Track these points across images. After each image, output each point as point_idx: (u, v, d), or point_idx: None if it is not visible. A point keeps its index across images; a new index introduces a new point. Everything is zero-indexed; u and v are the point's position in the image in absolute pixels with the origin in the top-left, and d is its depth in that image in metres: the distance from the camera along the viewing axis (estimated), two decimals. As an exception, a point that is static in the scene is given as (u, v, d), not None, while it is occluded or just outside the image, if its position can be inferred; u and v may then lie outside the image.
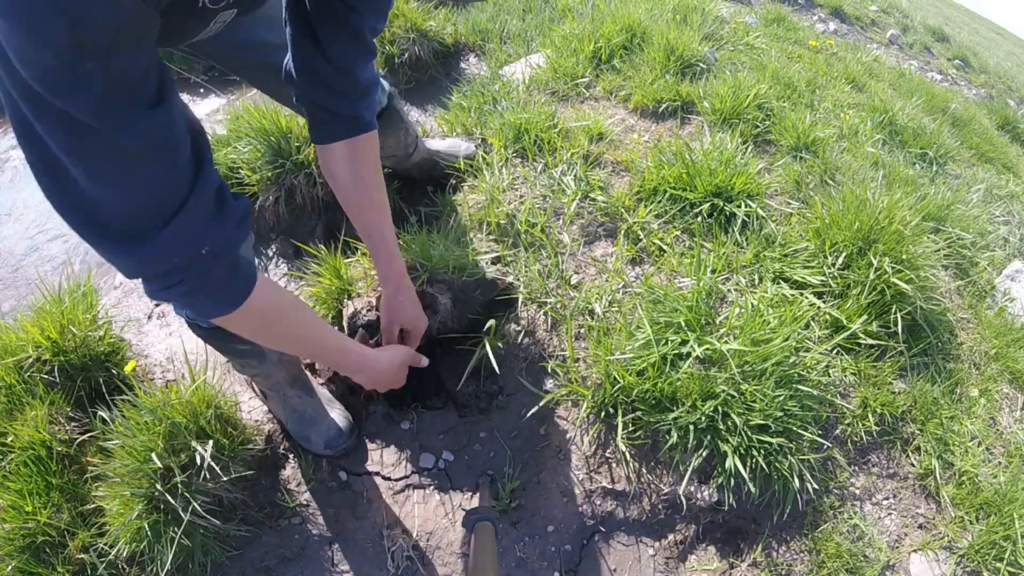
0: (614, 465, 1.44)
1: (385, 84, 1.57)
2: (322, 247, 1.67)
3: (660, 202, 1.83)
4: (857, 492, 1.46)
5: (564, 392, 1.50)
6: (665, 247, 1.73)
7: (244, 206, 0.73)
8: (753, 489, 1.35)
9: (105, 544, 1.26)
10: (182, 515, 1.23)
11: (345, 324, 1.51)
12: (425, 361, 1.19)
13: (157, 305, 1.88)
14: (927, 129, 2.84)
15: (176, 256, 0.64)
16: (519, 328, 1.60)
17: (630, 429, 1.41)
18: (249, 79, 1.42)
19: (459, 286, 1.55)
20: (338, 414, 1.49)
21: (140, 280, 0.68)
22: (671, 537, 1.39)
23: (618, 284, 1.64)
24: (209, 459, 1.26)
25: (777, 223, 1.83)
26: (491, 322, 1.57)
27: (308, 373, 1.57)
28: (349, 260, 1.67)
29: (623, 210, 1.82)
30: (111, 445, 1.30)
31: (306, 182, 1.90)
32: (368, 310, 1.48)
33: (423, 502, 1.44)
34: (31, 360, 1.47)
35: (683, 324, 1.45)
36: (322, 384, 1.60)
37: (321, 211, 1.99)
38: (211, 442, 1.30)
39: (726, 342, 1.41)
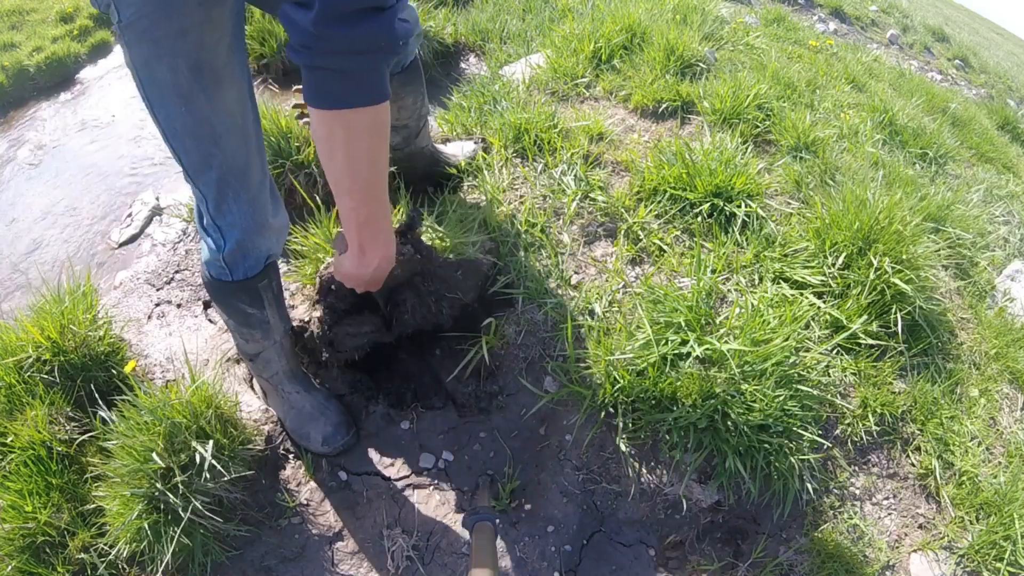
0: (614, 465, 1.44)
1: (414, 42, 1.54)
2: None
3: (660, 202, 1.83)
4: (857, 492, 1.46)
5: (564, 392, 1.50)
6: (665, 247, 1.73)
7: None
8: (753, 489, 1.35)
9: (105, 544, 1.26)
10: (182, 515, 1.23)
11: (318, 277, 1.51)
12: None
13: (157, 305, 1.88)
14: (927, 129, 2.84)
15: (391, 35, 0.84)
16: (519, 328, 1.60)
17: (630, 429, 1.41)
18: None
19: (439, 263, 1.51)
20: (336, 411, 1.49)
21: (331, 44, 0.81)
22: (671, 537, 1.39)
23: (618, 284, 1.64)
24: (210, 459, 1.26)
25: (777, 223, 1.83)
26: (490, 320, 1.57)
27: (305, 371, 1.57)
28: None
29: (623, 210, 1.82)
30: (111, 445, 1.30)
31: (306, 182, 1.90)
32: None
33: (423, 502, 1.44)
34: (31, 360, 1.47)
35: (683, 324, 1.45)
36: (320, 383, 1.60)
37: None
38: (211, 442, 1.30)
39: (726, 342, 1.41)
